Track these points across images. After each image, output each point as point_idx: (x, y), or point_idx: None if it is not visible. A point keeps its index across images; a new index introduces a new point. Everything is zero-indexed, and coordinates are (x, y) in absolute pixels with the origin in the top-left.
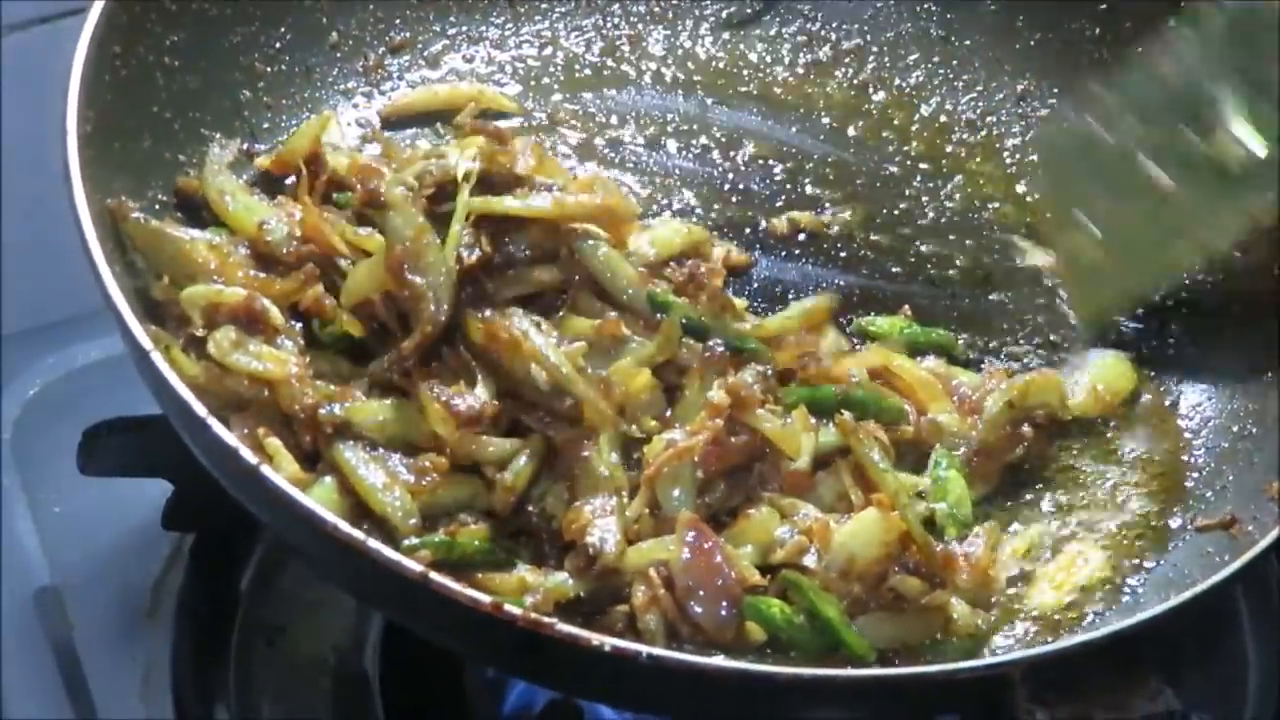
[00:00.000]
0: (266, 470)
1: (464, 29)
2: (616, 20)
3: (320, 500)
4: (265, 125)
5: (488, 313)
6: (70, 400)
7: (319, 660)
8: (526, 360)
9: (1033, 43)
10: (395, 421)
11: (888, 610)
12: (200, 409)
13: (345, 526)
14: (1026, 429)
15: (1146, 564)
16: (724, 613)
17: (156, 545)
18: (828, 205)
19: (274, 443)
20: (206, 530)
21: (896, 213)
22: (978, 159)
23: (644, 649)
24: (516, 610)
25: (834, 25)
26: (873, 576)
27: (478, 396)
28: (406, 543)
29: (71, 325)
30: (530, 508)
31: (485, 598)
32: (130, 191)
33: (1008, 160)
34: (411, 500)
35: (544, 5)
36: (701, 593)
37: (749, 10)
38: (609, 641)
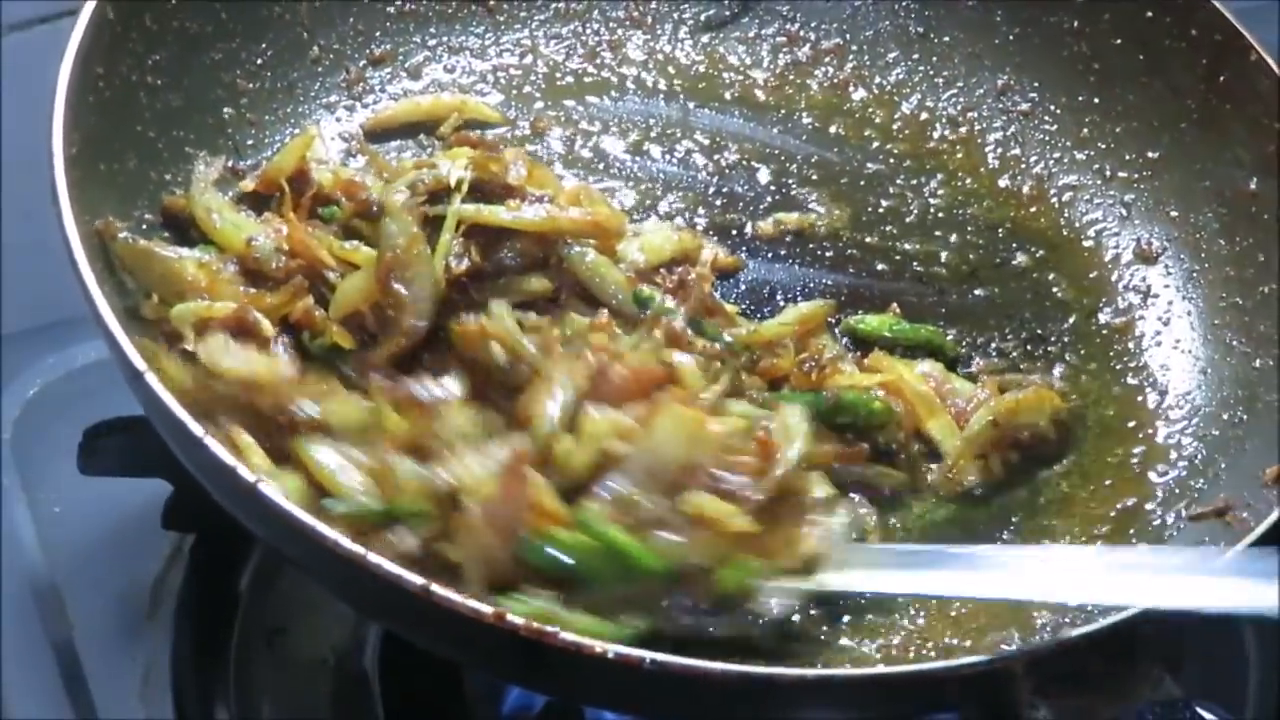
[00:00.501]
0: (264, 487)
1: (444, 40)
2: (596, 27)
3: (289, 491)
4: (250, 142)
5: (471, 318)
6: (70, 400)
7: (319, 660)
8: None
9: (1011, 37)
10: (367, 417)
11: (685, 527)
12: (196, 427)
13: (345, 541)
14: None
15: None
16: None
17: (156, 545)
18: (813, 206)
19: (245, 438)
20: (206, 530)
21: (881, 211)
22: (960, 155)
23: (647, 655)
24: (519, 620)
25: (813, 25)
26: (675, 486)
27: (445, 386)
28: (325, 500)
29: (71, 325)
30: None
31: (487, 609)
32: (117, 212)
33: (990, 156)
34: (372, 482)
35: (523, 14)
36: (495, 521)
37: (727, 13)
38: (611, 648)
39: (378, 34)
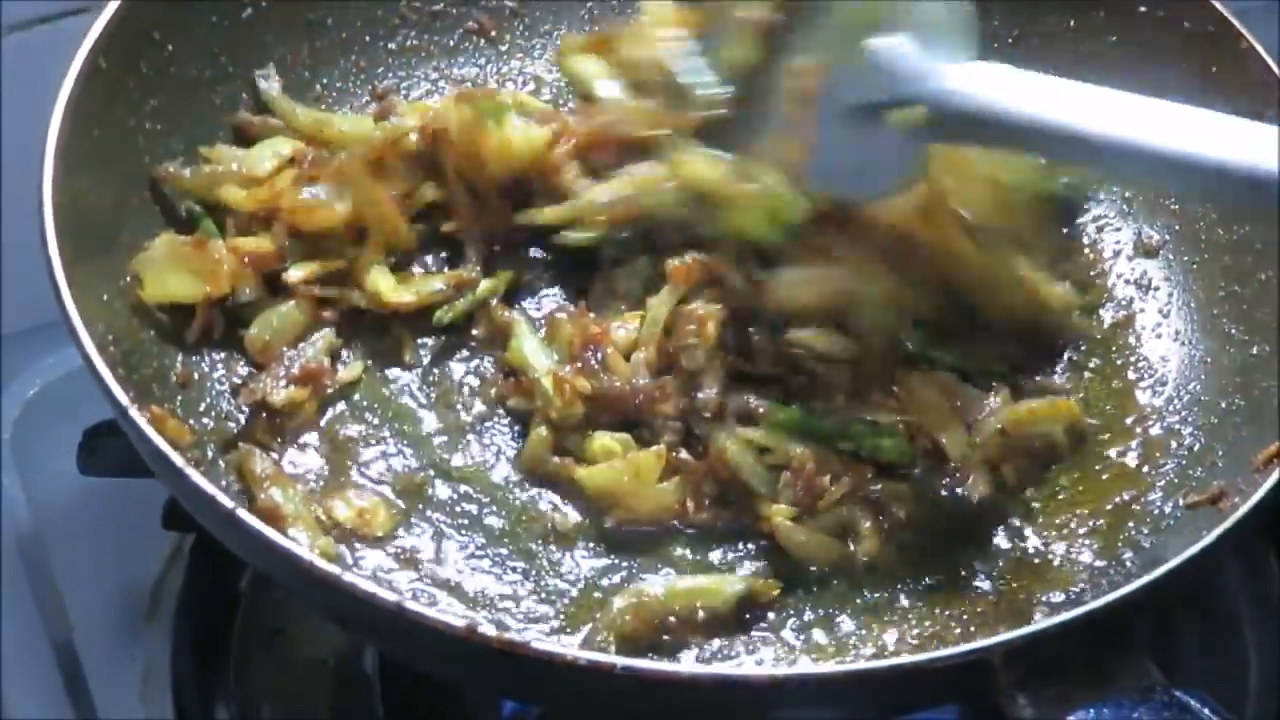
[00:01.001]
0: (242, 513)
1: (447, 72)
2: None
3: None
4: None
5: None
6: (70, 400)
7: (319, 661)
8: None
9: (1010, 40)
10: None
11: None
12: (178, 459)
13: (321, 562)
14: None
15: (1143, 544)
16: None
17: (156, 545)
18: None
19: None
20: (206, 530)
21: None
22: None
23: (618, 660)
24: (491, 632)
25: None
26: None
27: None
28: None
29: None
30: None
31: (459, 622)
32: (112, 269)
33: None
34: None
35: (521, 42)
36: None
37: None
38: (583, 655)
39: (380, 69)
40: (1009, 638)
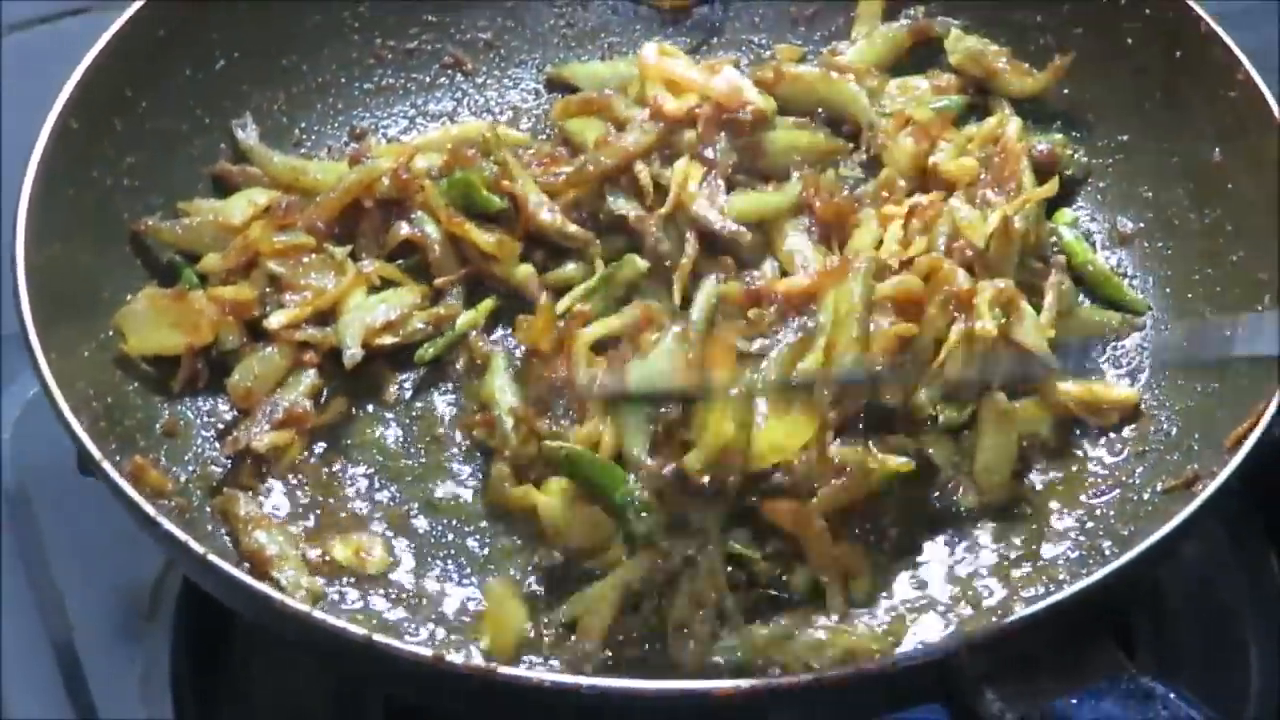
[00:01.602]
0: (214, 558)
1: (423, 107)
2: None
3: None
4: None
5: None
6: None
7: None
8: None
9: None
10: None
11: None
12: (150, 508)
13: (293, 602)
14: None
15: (1121, 533)
16: None
17: (157, 546)
18: None
19: None
20: None
21: None
22: None
23: (583, 680)
24: (458, 659)
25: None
26: None
27: None
28: None
29: None
30: None
31: (426, 653)
32: (94, 325)
33: None
34: None
35: (497, 74)
36: None
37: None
38: (548, 677)
39: (358, 109)
40: (968, 635)
